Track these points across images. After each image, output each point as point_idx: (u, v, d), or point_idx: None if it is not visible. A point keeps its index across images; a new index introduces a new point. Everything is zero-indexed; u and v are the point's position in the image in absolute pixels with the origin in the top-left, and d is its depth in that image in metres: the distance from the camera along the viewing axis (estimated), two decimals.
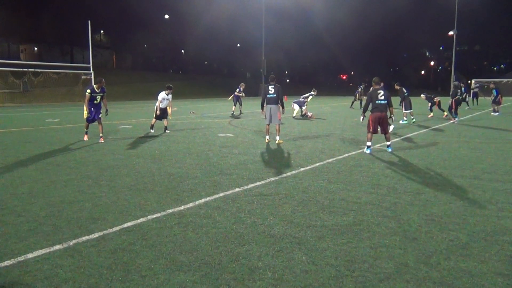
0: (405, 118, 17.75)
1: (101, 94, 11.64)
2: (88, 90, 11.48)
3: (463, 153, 9.71)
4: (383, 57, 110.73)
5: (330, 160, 8.83)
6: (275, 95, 11.23)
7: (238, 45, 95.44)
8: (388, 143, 9.93)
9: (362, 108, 11.10)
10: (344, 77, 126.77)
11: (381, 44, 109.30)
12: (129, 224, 4.73)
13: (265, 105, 11.50)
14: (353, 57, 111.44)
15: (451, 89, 18.09)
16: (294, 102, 21.10)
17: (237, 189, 6.32)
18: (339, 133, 13.76)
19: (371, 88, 10.35)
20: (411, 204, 5.55)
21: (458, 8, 58.93)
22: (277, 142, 11.29)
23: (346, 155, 9.45)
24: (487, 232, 4.50)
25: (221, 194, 6.03)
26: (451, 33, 61.47)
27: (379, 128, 9.74)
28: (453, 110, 17.84)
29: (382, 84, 10.08)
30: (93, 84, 13.47)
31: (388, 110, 9.74)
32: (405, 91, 17.50)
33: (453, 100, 17.86)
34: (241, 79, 27.24)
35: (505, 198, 5.82)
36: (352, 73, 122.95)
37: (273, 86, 11.26)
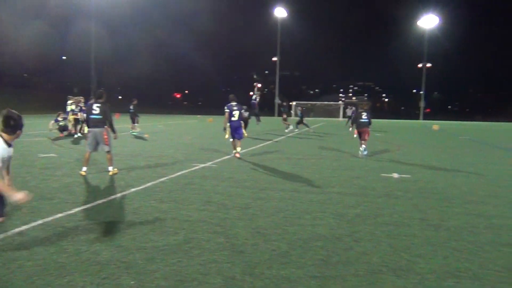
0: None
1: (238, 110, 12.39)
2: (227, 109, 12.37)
3: (285, 168, 10.66)
4: (218, 78, 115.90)
5: (163, 179, 8.74)
6: (100, 116, 9.00)
7: (64, 57, 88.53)
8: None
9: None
10: (179, 96, 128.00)
11: (215, 66, 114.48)
12: None
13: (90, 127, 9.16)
14: (188, 76, 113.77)
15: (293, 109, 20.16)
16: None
17: (59, 215, 5.77)
18: (173, 152, 13.76)
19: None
20: (239, 218, 5.84)
21: (280, 38, 66.08)
22: (110, 173, 9.11)
23: (179, 173, 9.49)
24: (304, 240, 4.99)
25: (40, 222, 5.43)
26: (275, 58, 68.60)
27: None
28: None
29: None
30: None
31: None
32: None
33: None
34: (68, 94, 24.98)
35: (319, 208, 6.56)
36: (187, 91, 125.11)
37: (98, 105, 9.02)
